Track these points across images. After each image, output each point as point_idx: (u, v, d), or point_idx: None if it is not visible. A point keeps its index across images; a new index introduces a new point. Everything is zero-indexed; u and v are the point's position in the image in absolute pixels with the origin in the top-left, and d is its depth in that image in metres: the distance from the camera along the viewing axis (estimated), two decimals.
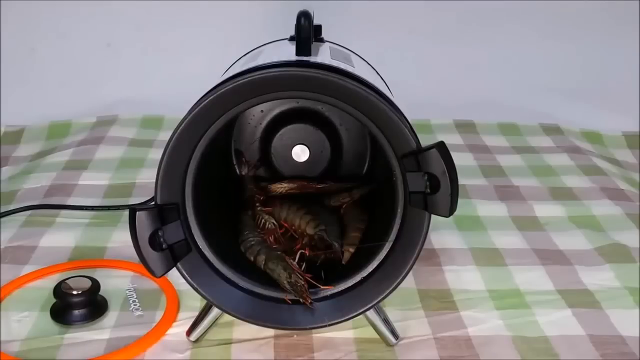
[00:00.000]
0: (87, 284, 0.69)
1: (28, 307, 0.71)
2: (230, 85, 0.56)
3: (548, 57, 1.36)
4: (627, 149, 1.23)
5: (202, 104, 0.57)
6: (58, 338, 0.67)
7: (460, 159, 1.04)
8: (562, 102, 1.32)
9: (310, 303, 0.62)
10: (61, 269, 0.77)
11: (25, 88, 1.29)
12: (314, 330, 0.67)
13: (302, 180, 0.77)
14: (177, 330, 0.68)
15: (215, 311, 0.65)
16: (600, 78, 1.35)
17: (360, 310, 0.62)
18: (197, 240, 0.62)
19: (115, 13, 1.31)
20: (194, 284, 0.61)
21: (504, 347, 0.67)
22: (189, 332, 0.67)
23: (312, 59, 0.61)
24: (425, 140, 0.58)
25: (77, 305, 0.68)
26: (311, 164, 0.77)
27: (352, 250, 0.68)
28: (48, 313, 0.69)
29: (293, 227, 0.72)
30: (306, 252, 0.68)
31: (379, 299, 0.62)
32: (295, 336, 0.67)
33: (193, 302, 0.71)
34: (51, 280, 0.73)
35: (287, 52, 0.64)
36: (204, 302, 0.66)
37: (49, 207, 0.92)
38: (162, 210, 0.59)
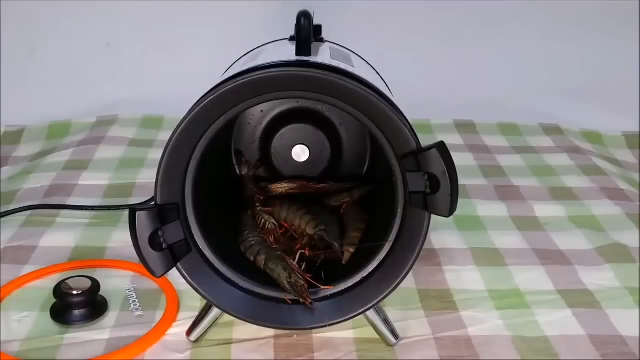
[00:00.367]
0: (87, 284, 0.69)
1: (28, 307, 0.71)
2: (230, 85, 0.56)
3: (548, 57, 1.36)
4: (627, 149, 1.23)
5: (202, 104, 0.57)
6: (58, 338, 0.67)
7: (460, 159, 1.04)
8: (562, 102, 1.32)
9: (310, 303, 0.62)
10: (61, 269, 0.77)
11: (25, 88, 1.29)
12: (314, 330, 0.67)
13: (302, 180, 0.77)
14: (177, 330, 0.68)
15: (215, 311, 0.65)
16: (600, 78, 1.35)
17: (360, 310, 0.62)
18: (197, 240, 0.62)
19: (115, 13, 1.31)
20: (194, 284, 0.61)
21: (504, 347, 0.67)
22: (189, 332, 0.67)
23: (312, 59, 0.61)
24: (425, 140, 0.58)
25: (77, 305, 0.68)
26: (311, 164, 0.77)
27: (352, 250, 0.68)
28: (48, 313, 0.69)
29: (293, 227, 0.72)
30: (306, 252, 0.68)
31: (379, 299, 0.62)
32: (295, 336, 0.67)
33: (193, 302, 0.71)
34: (51, 280, 0.73)
35: (287, 52, 0.64)
36: (204, 302, 0.66)
37: (49, 207, 0.92)
38: (162, 210, 0.59)
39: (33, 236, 0.84)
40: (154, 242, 0.57)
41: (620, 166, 1.15)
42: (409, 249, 0.61)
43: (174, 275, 0.62)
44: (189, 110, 0.58)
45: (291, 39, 0.74)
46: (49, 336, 0.67)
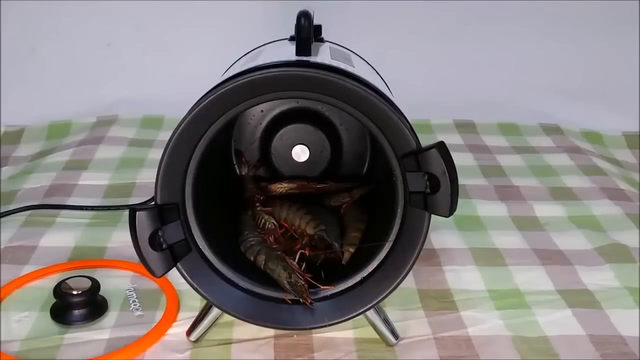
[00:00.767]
0: (87, 284, 0.69)
1: (28, 307, 0.71)
2: (230, 85, 0.56)
3: (548, 57, 1.36)
4: (627, 149, 1.23)
5: (202, 104, 0.57)
6: (58, 338, 0.67)
7: (460, 159, 1.04)
8: (562, 102, 1.32)
9: (310, 303, 0.62)
10: (61, 269, 0.77)
11: (25, 88, 1.29)
12: (314, 330, 0.67)
13: (302, 180, 0.77)
14: (177, 330, 0.68)
15: (215, 311, 0.65)
16: (600, 78, 1.35)
17: (360, 310, 0.62)
18: (197, 240, 0.62)
19: (115, 13, 1.31)
20: (194, 284, 0.61)
21: (504, 347, 0.67)
22: (189, 332, 0.67)
23: (312, 59, 0.61)
24: (425, 140, 0.58)
25: (77, 305, 0.68)
26: (311, 164, 0.77)
27: (352, 250, 0.68)
28: (48, 313, 0.69)
29: (293, 227, 0.72)
30: (306, 252, 0.68)
31: (379, 299, 0.62)
32: (295, 336, 0.67)
33: (193, 302, 0.71)
34: (51, 280, 0.73)
35: (287, 52, 0.64)
36: (204, 302, 0.66)
37: (49, 207, 0.92)
38: (162, 210, 0.59)
39: (33, 236, 0.84)
40: (154, 242, 0.57)
41: (620, 166, 1.15)
42: (409, 249, 0.61)
43: (174, 275, 0.62)
44: (189, 110, 0.58)
45: (291, 39, 0.74)
46: (49, 336, 0.67)
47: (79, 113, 1.25)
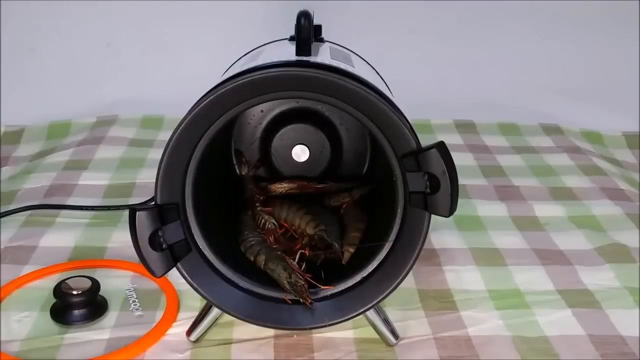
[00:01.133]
0: (87, 284, 0.69)
1: (28, 307, 0.71)
2: (230, 85, 0.56)
3: (548, 57, 1.36)
4: (627, 149, 1.23)
5: (202, 104, 0.57)
6: (58, 338, 0.67)
7: (460, 159, 1.05)
8: (562, 102, 1.32)
9: (310, 303, 0.62)
10: (61, 269, 0.77)
11: (25, 88, 1.29)
12: (314, 330, 0.67)
13: (302, 180, 0.77)
14: (177, 330, 0.68)
15: (215, 311, 0.65)
16: (600, 78, 1.35)
17: (360, 310, 0.62)
18: (197, 240, 0.62)
19: (115, 13, 1.31)
20: (194, 284, 0.61)
21: (504, 347, 0.67)
22: (189, 332, 0.67)
23: (312, 59, 0.61)
24: (425, 140, 0.58)
25: (77, 305, 0.68)
26: (311, 164, 0.77)
27: (352, 250, 0.68)
28: (48, 313, 0.69)
29: (293, 227, 0.72)
30: (306, 252, 0.68)
31: (379, 299, 0.62)
32: (295, 336, 0.67)
33: (193, 302, 0.71)
34: (51, 280, 0.73)
35: (287, 52, 0.64)
36: (204, 302, 0.66)
37: (49, 207, 0.92)
38: (162, 210, 0.59)
39: (33, 236, 0.84)
40: (154, 242, 0.57)
41: (620, 166, 1.15)
42: (409, 249, 0.61)
43: (174, 275, 0.62)
44: (189, 110, 0.58)
45: (291, 39, 0.74)
46: (49, 336, 0.67)
47: (79, 113, 1.25)
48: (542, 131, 1.26)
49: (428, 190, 0.58)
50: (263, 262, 0.66)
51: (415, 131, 0.59)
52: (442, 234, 0.87)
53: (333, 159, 0.78)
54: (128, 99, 1.28)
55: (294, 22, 0.61)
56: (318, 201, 0.76)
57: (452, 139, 1.19)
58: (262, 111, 0.78)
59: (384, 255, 0.62)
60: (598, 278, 0.78)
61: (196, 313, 0.67)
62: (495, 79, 1.34)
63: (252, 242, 0.69)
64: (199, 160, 0.60)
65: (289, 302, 0.63)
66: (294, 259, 0.66)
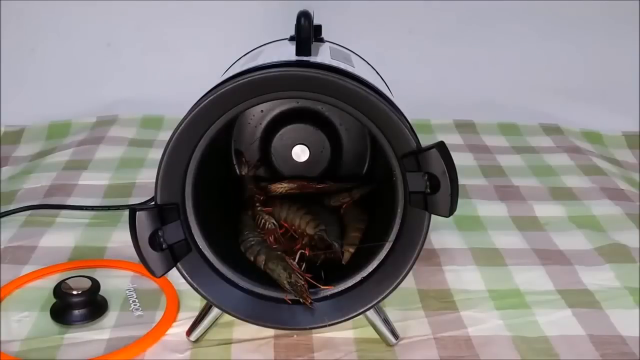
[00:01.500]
0: (87, 284, 0.69)
1: (28, 307, 0.71)
2: (230, 85, 0.56)
3: (548, 57, 1.36)
4: (627, 149, 1.23)
5: (202, 104, 0.57)
6: (58, 338, 0.67)
7: (460, 159, 1.04)
8: (562, 102, 1.32)
9: (310, 303, 0.62)
10: (61, 269, 0.77)
11: (25, 88, 1.29)
12: (314, 330, 0.67)
13: (302, 180, 0.77)
14: (177, 330, 0.68)
15: (215, 311, 0.65)
16: (600, 78, 1.35)
17: (360, 310, 0.62)
18: (197, 240, 0.62)
19: (115, 13, 1.31)
20: (194, 284, 0.61)
21: (504, 347, 0.67)
22: (189, 332, 0.67)
23: (312, 59, 0.61)
24: (425, 140, 0.58)
25: (77, 305, 0.68)
26: (311, 164, 0.77)
27: (352, 250, 0.68)
28: (48, 313, 0.69)
29: (293, 227, 0.72)
30: (306, 252, 0.68)
31: (379, 299, 0.62)
32: (295, 336, 0.67)
33: (193, 302, 0.71)
34: (51, 280, 0.73)
35: (287, 52, 0.64)
36: (204, 302, 0.66)
37: (49, 207, 0.92)
38: (162, 210, 0.59)
39: (33, 236, 0.84)
40: (154, 242, 0.57)
41: (620, 166, 1.15)
42: (409, 249, 0.61)
43: (174, 275, 0.62)
44: (189, 110, 0.58)
45: (291, 39, 0.74)
46: (49, 336, 0.67)
47: (79, 113, 1.25)
48: (542, 131, 1.26)
49: (428, 190, 0.58)
50: (263, 262, 0.66)
51: (415, 131, 0.59)
52: (442, 234, 0.87)
53: (333, 159, 0.78)
54: (128, 99, 1.28)
55: (294, 22, 0.61)
56: (318, 201, 0.76)
57: (452, 139, 1.19)
58: (262, 111, 0.78)
59: (384, 255, 0.62)
60: (598, 278, 0.78)
61: (196, 313, 0.67)
62: (495, 79, 1.34)
63: (252, 242, 0.69)
64: (199, 160, 0.60)
65: (289, 302, 0.63)
66: (294, 259, 0.66)
